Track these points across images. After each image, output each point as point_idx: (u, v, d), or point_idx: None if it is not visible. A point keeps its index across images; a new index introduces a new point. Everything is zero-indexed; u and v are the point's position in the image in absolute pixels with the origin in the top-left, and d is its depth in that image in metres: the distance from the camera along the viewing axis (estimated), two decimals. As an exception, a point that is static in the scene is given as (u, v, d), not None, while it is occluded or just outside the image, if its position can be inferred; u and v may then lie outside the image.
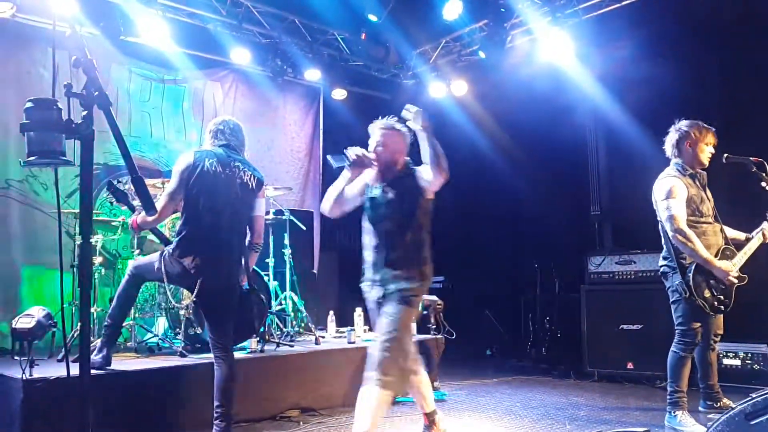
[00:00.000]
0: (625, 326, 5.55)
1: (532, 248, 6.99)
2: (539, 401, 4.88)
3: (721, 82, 5.62)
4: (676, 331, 3.82)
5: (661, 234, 3.88)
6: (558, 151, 6.86)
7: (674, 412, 3.77)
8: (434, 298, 5.53)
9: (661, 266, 3.92)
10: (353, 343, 5.16)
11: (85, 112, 1.76)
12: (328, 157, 3.38)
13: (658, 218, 3.85)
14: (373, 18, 6.24)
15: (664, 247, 3.87)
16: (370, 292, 3.32)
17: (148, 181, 5.05)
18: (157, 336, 4.73)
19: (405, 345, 3.17)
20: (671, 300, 3.84)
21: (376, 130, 3.37)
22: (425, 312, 5.40)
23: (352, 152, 3.24)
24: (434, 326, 5.43)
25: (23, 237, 5.41)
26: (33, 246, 5.46)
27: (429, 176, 3.20)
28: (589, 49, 6.49)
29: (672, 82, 5.53)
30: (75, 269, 4.87)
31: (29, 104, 1.75)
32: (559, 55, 6.53)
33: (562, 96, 6.70)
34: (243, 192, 3.58)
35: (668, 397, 3.83)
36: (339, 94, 7.57)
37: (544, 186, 7.01)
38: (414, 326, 3.95)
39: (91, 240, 4.97)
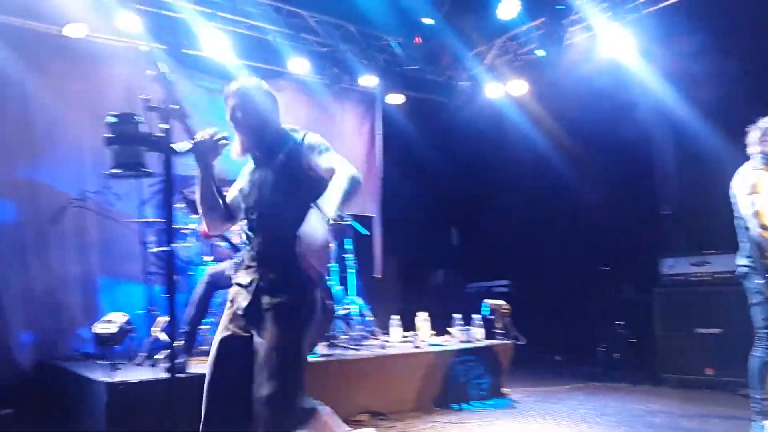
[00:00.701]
0: (701, 330, 5.33)
1: (599, 250, 6.80)
2: (614, 408, 4.73)
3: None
4: (758, 335, 3.63)
5: (737, 232, 3.70)
6: (622, 150, 6.67)
7: (762, 422, 3.58)
8: (501, 301, 5.44)
9: (739, 266, 3.73)
10: (419, 348, 5.14)
11: (164, 125, 1.81)
12: (172, 145, 2.04)
13: (737, 215, 3.68)
14: (428, 22, 6.21)
15: (743, 246, 3.69)
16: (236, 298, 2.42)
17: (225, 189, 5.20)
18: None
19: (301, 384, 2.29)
20: (752, 302, 3.65)
21: (229, 92, 2.53)
22: (492, 316, 5.33)
23: (200, 135, 2.28)
24: (502, 331, 5.34)
25: (100, 246, 5.63)
26: (109, 255, 5.67)
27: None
28: (651, 45, 6.29)
29: (739, 77, 5.31)
30: (149, 277, 5.04)
31: (112, 119, 1.81)
32: (619, 51, 6.35)
33: (624, 93, 6.52)
34: None
35: (753, 405, 3.64)
36: (395, 99, 7.60)
37: (609, 186, 6.83)
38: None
39: (169, 248, 5.16)
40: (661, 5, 6.14)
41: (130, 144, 1.74)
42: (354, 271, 5.76)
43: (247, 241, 2.44)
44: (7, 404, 4.41)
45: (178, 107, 1.80)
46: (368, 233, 6.24)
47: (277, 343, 2.20)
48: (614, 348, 6.25)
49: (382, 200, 7.72)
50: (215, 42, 6.07)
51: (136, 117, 1.81)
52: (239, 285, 2.40)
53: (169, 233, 1.76)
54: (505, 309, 5.36)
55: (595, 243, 6.87)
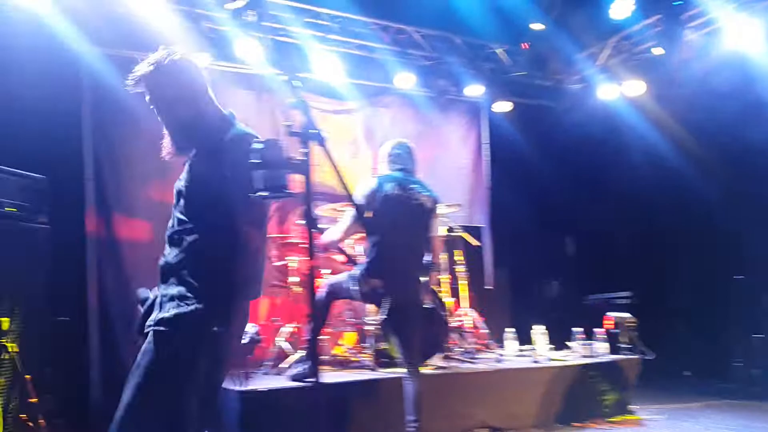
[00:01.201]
0: None
1: (731, 258, 6.31)
2: (755, 429, 4.35)
3: None
4: None
5: None
6: (751, 152, 6.17)
7: None
8: (626, 314, 5.19)
9: None
10: (538, 362, 5.00)
11: (304, 149, 1.89)
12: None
13: None
14: (537, 27, 6.10)
15: None
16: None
17: (332, 205, 5.36)
18: (348, 350, 4.93)
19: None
20: None
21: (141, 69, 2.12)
22: (616, 330, 5.09)
23: None
24: (628, 345, 5.08)
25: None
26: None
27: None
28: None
29: None
30: (273, 289, 5.30)
31: (258, 145, 1.92)
32: (745, 44, 5.91)
33: (751, 90, 6.04)
34: (421, 213, 3.68)
35: None
36: (502, 106, 7.51)
37: (739, 191, 6.34)
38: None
39: (286, 261, 5.38)
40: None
41: (275, 168, 1.84)
42: (465, 282, 5.71)
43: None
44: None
45: (317, 131, 1.89)
46: (478, 244, 6.17)
47: None
48: (752, 363, 5.76)
49: (490, 210, 7.62)
50: (326, 63, 6.30)
51: (279, 142, 1.91)
52: None
53: (310, 249, 1.82)
54: (630, 322, 5.09)
55: (727, 251, 6.39)
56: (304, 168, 1.82)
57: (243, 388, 3.63)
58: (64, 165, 4.99)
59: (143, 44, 5.69)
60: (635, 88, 7.05)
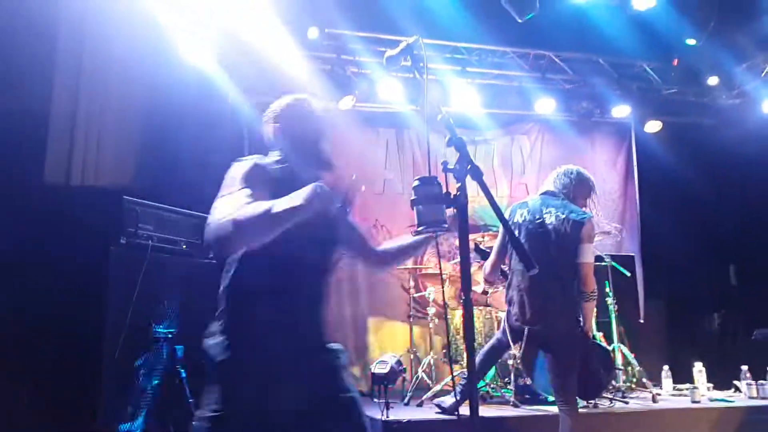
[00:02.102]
0: None
1: None
2: None
3: None
4: None
5: None
6: None
7: None
8: None
9: None
10: (698, 402, 4.61)
11: (459, 184, 1.95)
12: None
13: None
14: (692, 42, 5.73)
15: None
16: None
17: (471, 236, 5.41)
18: (489, 385, 4.89)
19: None
20: None
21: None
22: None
23: None
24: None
25: (368, 291, 6.21)
26: (375, 299, 6.23)
27: None
28: None
29: None
30: (411, 320, 5.42)
31: (416, 182, 2.02)
32: None
33: None
34: (557, 238, 3.52)
35: None
36: (652, 126, 7.09)
37: None
38: None
39: (425, 292, 5.50)
40: None
41: (433, 203, 1.93)
42: (615, 315, 5.42)
43: None
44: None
45: (471, 166, 1.95)
46: (629, 274, 5.84)
47: None
48: None
49: (642, 237, 7.19)
50: (464, 95, 6.41)
51: (436, 179, 2.00)
52: None
53: (466, 285, 1.85)
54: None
55: None
56: (459, 202, 1.88)
57: (386, 418, 3.75)
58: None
59: (291, 91, 6.25)
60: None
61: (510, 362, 4.74)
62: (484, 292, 5.51)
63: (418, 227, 1.96)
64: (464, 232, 1.89)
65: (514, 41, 6.45)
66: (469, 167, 1.98)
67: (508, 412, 4.27)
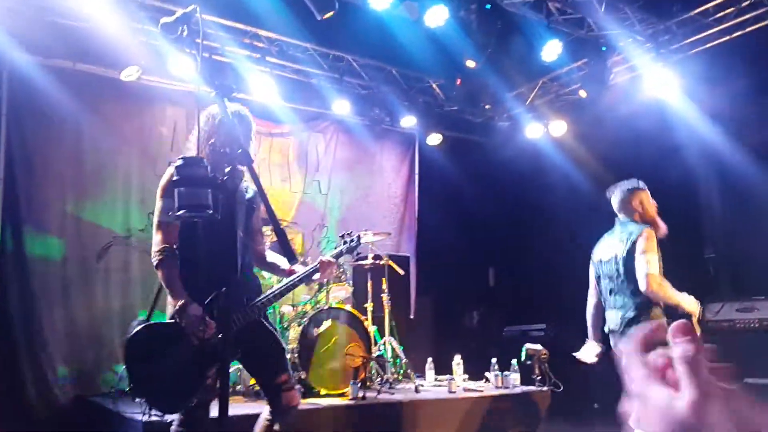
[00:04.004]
0: (750, 380, 5.08)
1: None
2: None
3: None
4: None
5: None
6: (665, 193, 6.44)
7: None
8: (538, 347, 5.33)
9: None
10: (453, 392, 5.06)
11: (228, 168, 1.87)
12: None
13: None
14: (471, 64, 6.28)
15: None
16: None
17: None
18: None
19: None
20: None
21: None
22: (529, 362, 5.22)
23: None
24: (539, 378, 5.21)
25: (141, 283, 5.77)
26: (150, 292, 5.80)
27: None
28: (699, 86, 6.18)
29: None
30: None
31: (179, 162, 1.88)
32: (664, 92, 6.28)
33: (669, 134, 6.39)
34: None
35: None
36: (434, 139, 7.66)
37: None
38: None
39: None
40: (707, 46, 6.09)
41: (196, 186, 1.81)
42: (389, 311, 5.73)
43: None
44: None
45: (241, 150, 1.87)
46: (403, 273, 6.22)
47: None
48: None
49: (418, 240, 7.73)
50: (263, 86, 6.28)
51: (203, 161, 1.88)
52: None
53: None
54: (543, 354, 5.23)
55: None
56: (227, 187, 1.79)
57: (147, 418, 3.51)
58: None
59: (78, 56, 5.60)
60: (559, 127, 7.36)
61: (287, 356, 4.74)
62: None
63: (177, 210, 1.85)
64: (231, 216, 1.83)
65: (317, 40, 6.50)
66: (240, 151, 1.91)
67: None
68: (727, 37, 5.94)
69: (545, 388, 5.21)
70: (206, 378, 2.50)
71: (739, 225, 5.95)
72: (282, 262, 2.92)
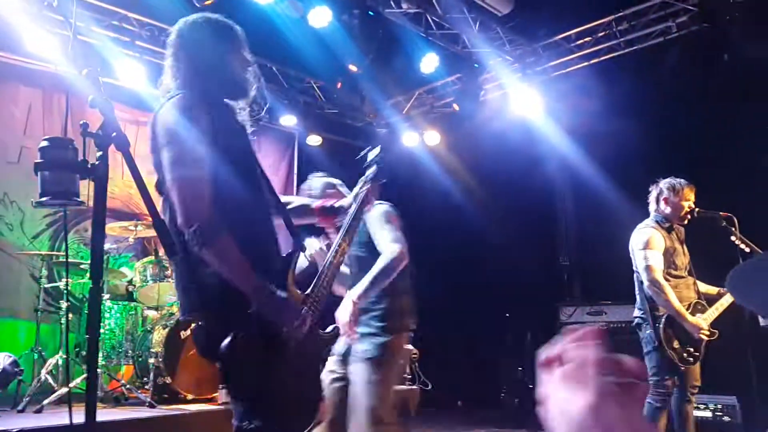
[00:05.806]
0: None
1: (503, 297, 7.01)
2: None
3: (687, 139, 5.79)
4: (650, 382, 3.84)
5: (636, 284, 3.96)
6: (529, 202, 6.98)
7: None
8: (409, 347, 5.46)
9: (635, 317, 3.98)
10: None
11: (100, 153, 1.73)
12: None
13: (634, 268, 3.93)
14: (353, 69, 6.34)
15: (638, 297, 3.94)
16: None
17: (119, 223, 4.95)
18: (125, 385, 4.53)
19: None
20: (644, 351, 3.89)
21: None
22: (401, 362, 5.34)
23: None
24: (409, 376, 5.35)
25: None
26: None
27: None
28: (558, 105, 6.73)
29: (640, 139, 5.71)
30: (39, 314, 4.69)
31: (44, 143, 1.71)
32: (529, 110, 6.74)
33: (533, 148, 6.87)
34: None
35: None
36: (314, 140, 7.64)
37: (515, 236, 7.07)
38: None
39: (59, 283, 4.83)
40: (569, 69, 6.62)
41: (62, 170, 1.63)
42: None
43: None
44: None
45: (116, 133, 1.72)
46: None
47: None
48: (516, 393, 6.40)
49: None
50: (131, 71, 5.89)
51: (71, 143, 1.70)
52: None
53: (96, 268, 1.60)
54: (414, 354, 5.39)
55: (500, 290, 7.09)
56: (97, 173, 1.60)
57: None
58: None
59: None
60: (432, 137, 7.65)
61: (151, 361, 4.48)
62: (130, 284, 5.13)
63: (40, 197, 1.68)
64: (100, 206, 1.69)
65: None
66: (114, 134, 1.78)
67: (143, 413, 4.01)
68: (585, 63, 6.52)
69: (415, 386, 5.36)
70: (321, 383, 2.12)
71: (590, 234, 6.50)
72: None
